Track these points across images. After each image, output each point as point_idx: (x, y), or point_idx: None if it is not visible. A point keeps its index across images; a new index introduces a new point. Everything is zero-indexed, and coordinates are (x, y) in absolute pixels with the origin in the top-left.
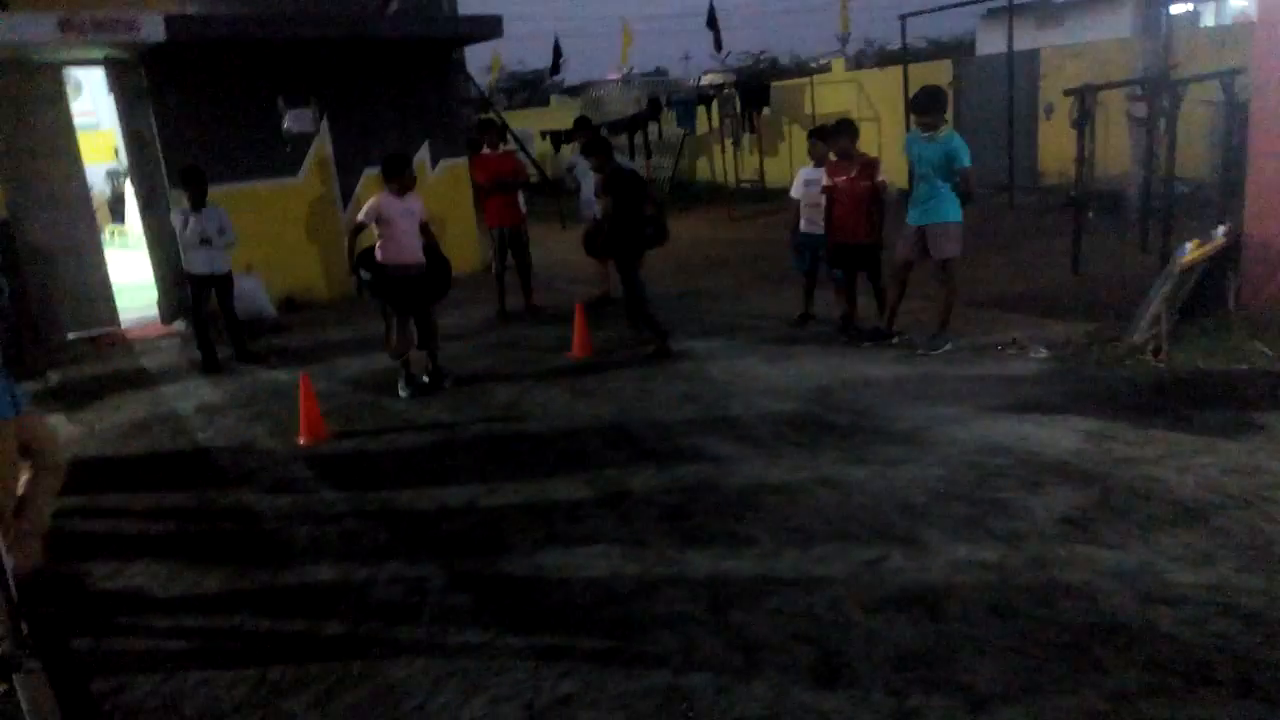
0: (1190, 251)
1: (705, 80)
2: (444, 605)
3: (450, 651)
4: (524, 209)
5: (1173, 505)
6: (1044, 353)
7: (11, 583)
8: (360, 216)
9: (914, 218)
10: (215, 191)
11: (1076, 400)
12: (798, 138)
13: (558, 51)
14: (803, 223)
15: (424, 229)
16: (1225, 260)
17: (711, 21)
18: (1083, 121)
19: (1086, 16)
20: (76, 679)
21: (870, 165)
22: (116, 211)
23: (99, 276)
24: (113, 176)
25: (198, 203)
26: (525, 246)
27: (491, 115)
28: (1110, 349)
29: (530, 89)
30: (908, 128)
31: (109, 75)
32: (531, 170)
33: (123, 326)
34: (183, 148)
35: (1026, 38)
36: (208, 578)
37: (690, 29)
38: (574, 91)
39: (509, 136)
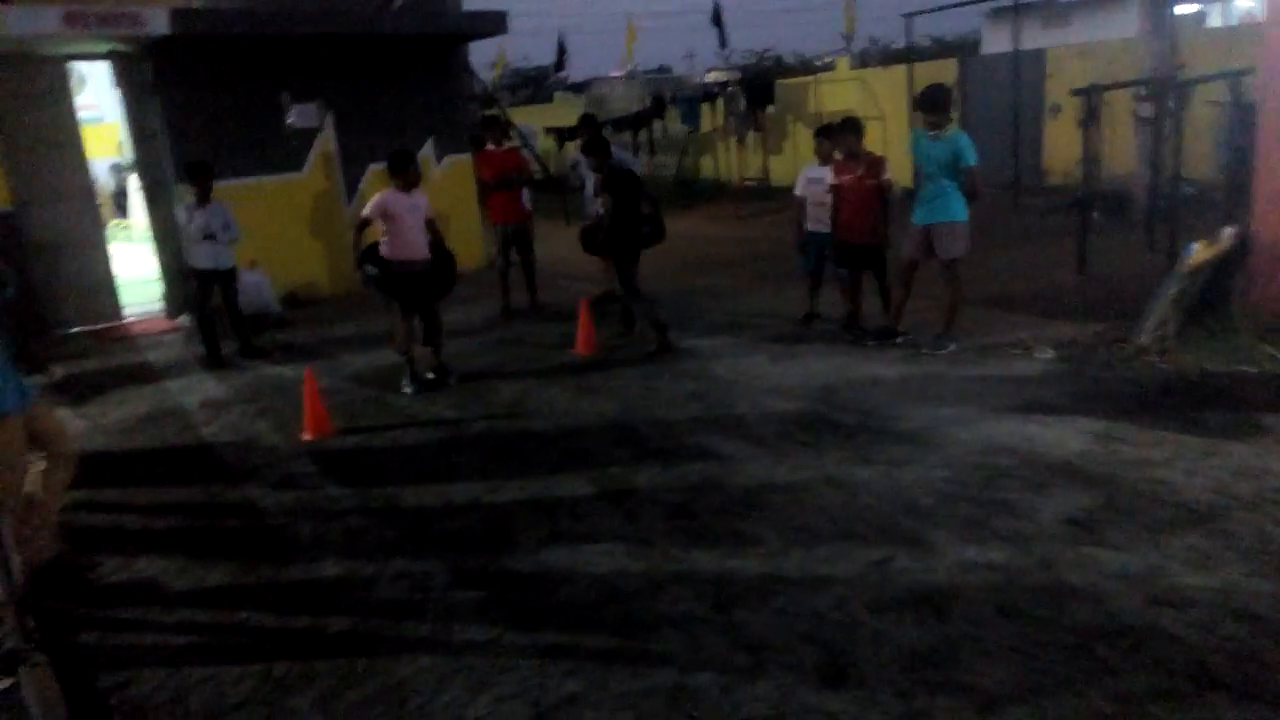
0: (1197, 252)
1: (710, 78)
2: (449, 602)
3: (455, 649)
4: (529, 206)
5: (1180, 508)
6: (1050, 353)
7: (18, 577)
8: (366, 212)
9: (920, 217)
10: (220, 186)
11: (1083, 401)
12: (802, 136)
13: (562, 48)
14: (808, 221)
15: (430, 225)
16: (1232, 262)
17: (716, 19)
18: (1089, 121)
19: (1092, 16)
20: (82, 673)
21: (876, 164)
22: (120, 206)
23: (103, 271)
24: (117, 171)
25: (203, 197)
26: (530, 243)
27: (496, 111)
28: (1117, 350)
29: (534, 85)
30: (912, 126)
31: (114, 69)
32: (535, 167)
33: (126, 321)
34: (187, 142)
35: (1032, 37)
36: (213, 573)
37: (694, 26)
38: (578, 88)
39: (513, 133)
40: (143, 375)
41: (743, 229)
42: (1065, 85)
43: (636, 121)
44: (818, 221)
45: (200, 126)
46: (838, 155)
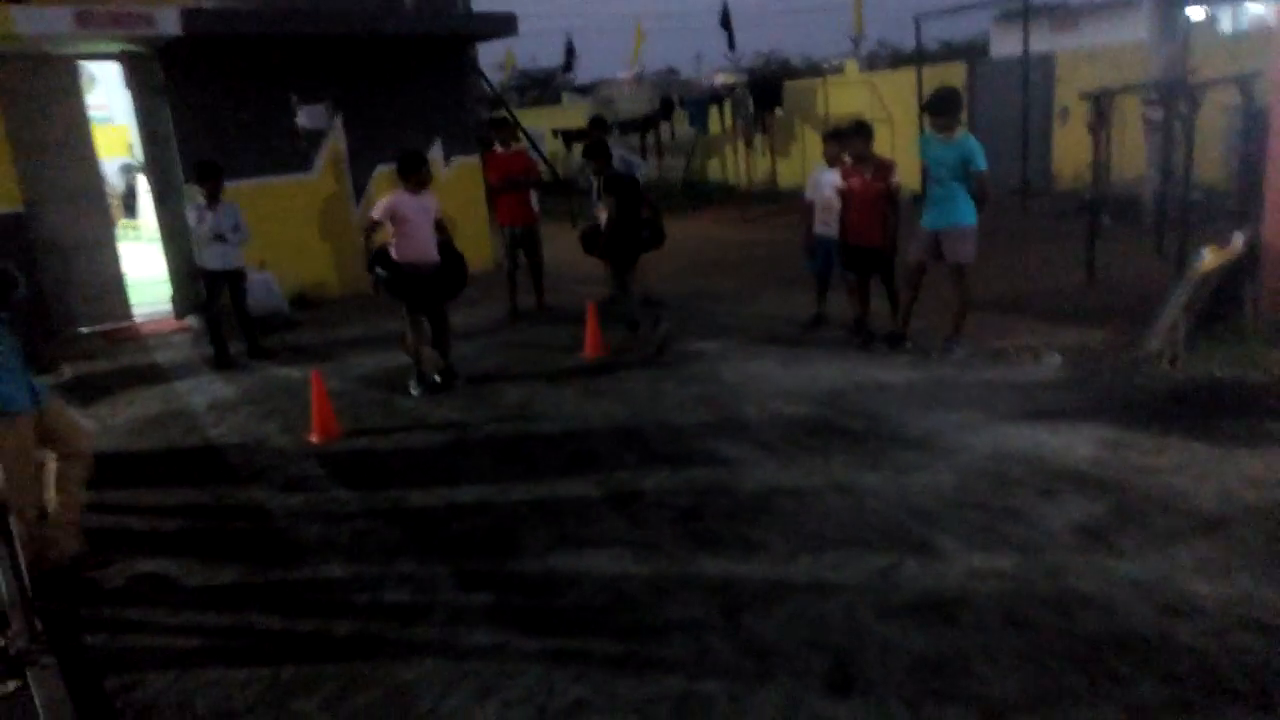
0: (1208, 258)
1: (717, 80)
2: (455, 606)
3: (462, 653)
4: (536, 208)
5: (1190, 515)
6: (1058, 359)
7: (26, 578)
8: (375, 214)
9: (928, 221)
10: (229, 187)
11: (1092, 407)
12: (810, 139)
13: (570, 50)
14: (816, 225)
15: (439, 226)
16: (1243, 268)
17: (725, 21)
18: (1099, 125)
19: (1102, 20)
20: (89, 675)
21: (885, 168)
22: (129, 206)
23: (112, 271)
24: (127, 171)
25: (213, 198)
26: (537, 246)
27: (504, 113)
28: (1126, 356)
29: (542, 87)
30: (921, 130)
31: (125, 69)
32: (543, 169)
33: (135, 321)
34: (197, 142)
35: (1041, 40)
36: (219, 575)
37: (702, 28)
38: (586, 90)
39: (521, 135)
40: (151, 376)
41: (750, 232)
42: (1074, 89)
43: (645, 124)
44: (826, 225)
45: (210, 127)
46: (846, 159)
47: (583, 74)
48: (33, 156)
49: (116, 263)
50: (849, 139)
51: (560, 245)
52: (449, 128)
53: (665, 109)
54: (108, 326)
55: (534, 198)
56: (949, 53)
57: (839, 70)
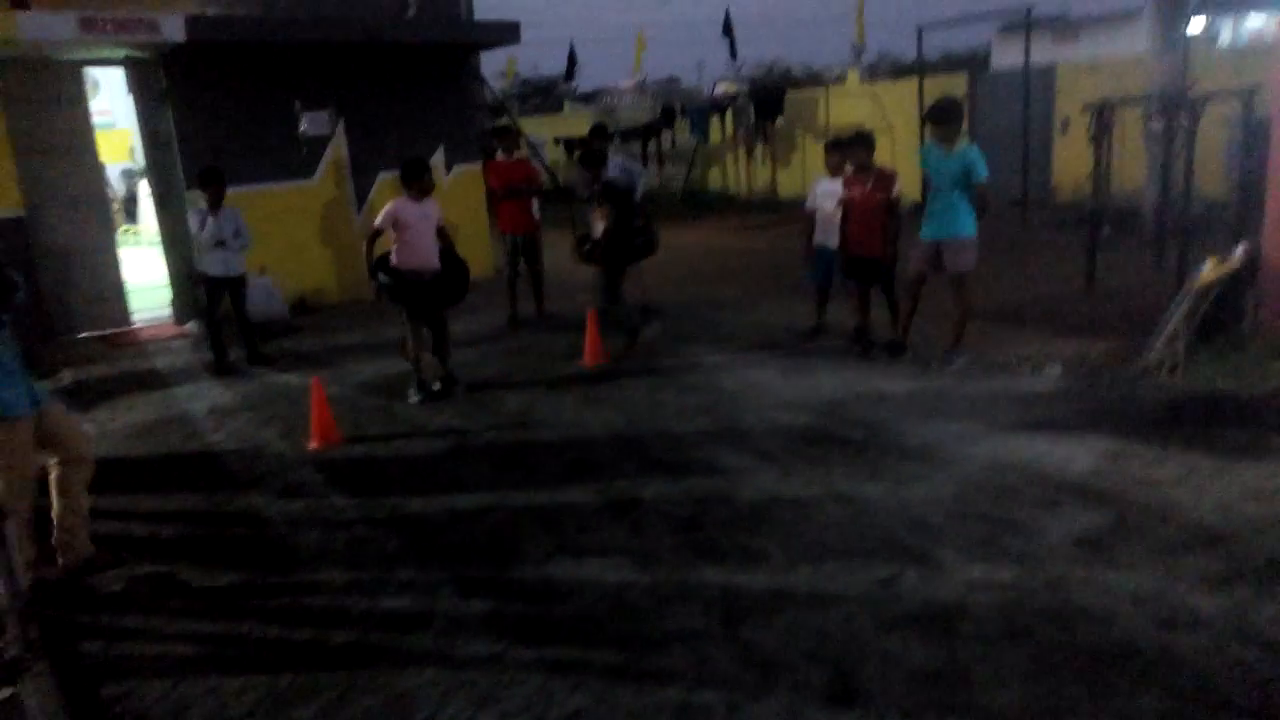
0: (1208, 270)
1: (719, 90)
2: (454, 615)
3: (460, 662)
4: (538, 216)
5: (1190, 528)
6: (1058, 370)
7: (22, 585)
8: (377, 222)
9: (929, 231)
10: (231, 193)
11: (1091, 419)
12: (811, 149)
13: (573, 58)
14: (817, 234)
15: (441, 233)
16: (1243, 280)
17: (727, 29)
18: (1100, 137)
19: (1102, 32)
20: (85, 683)
21: (887, 178)
22: (130, 212)
23: (113, 276)
24: (128, 176)
25: (215, 204)
26: (538, 253)
27: (507, 121)
28: (1126, 367)
29: (544, 95)
30: (922, 140)
31: (128, 75)
32: (545, 177)
33: (135, 326)
34: (200, 148)
35: (1042, 53)
36: (217, 582)
37: (703, 38)
38: (588, 98)
39: (523, 142)
40: (150, 381)
41: (750, 240)
42: (1075, 101)
43: (646, 132)
44: (827, 235)
45: (212, 133)
46: (848, 168)
47: (585, 82)
48: (35, 160)
49: (117, 267)
50: (851, 149)
51: (561, 253)
52: (451, 135)
53: (667, 117)
54: (107, 331)
55: (535, 205)
56: (950, 64)
57: (840, 80)
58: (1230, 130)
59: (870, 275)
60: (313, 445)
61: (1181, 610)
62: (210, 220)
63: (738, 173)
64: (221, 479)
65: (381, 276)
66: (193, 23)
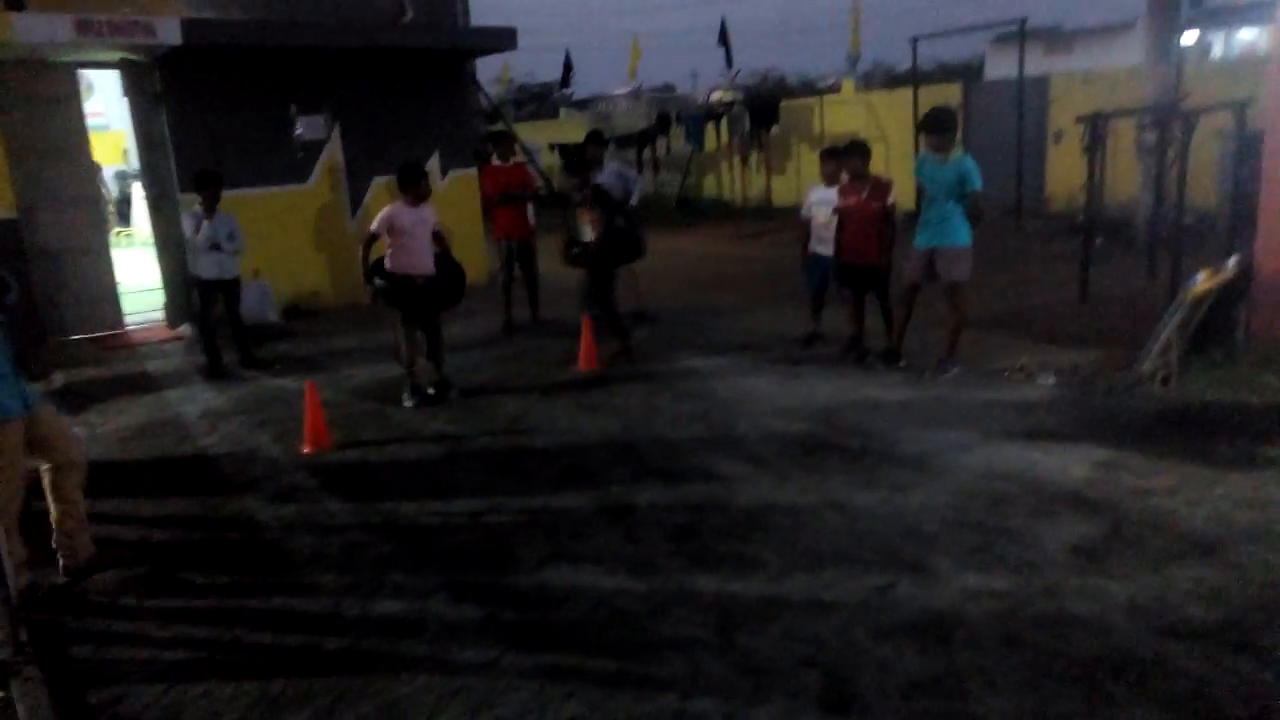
0: (1202, 281)
1: (714, 97)
2: (448, 621)
3: (454, 669)
4: (533, 222)
5: (1184, 538)
6: (1052, 379)
7: (13, 588)
8: (373, 227)
9: (923, 240)
10: (225, 196)
11: (1085, 428)
12: (806, 157)
13: (568, 65)
14: (812, 242)
15: (438, 237)
16: (1236, 291)
17: (723, 37)
18: (1094, 148)
19: (1095, 44)
20: (75, 688)
21: (882, 187)
22: (123, 214)
23: (106, 278)
24: (121, 178)
25: (211, 207)
26: (533, 259)
27: (502, 127)
28: (1119, 377)
29: (538, 101)
30: (916, 149)
31: (123, 78)
32: (540, 182)
33: (128, 329)
34: (194, 151)
35: (1036, 63)
36: (209, 587)
37: (698, 46)
38: (583, 105)
39: (518, 148)
40: (143, 384)
41: (744, 248)
42: (1068, 112)
43: (641, 139)
44: (822, 243)
45: (207, 136)
46: (844, 177)
47: (580, 89)
48: (29, 162)
49: (110, 270)
50: (846, 157)
51: (556, 259)
52: (447, 140)
53: (662, 125)
54: (100, 334)
55: (531, 211)
56: (945, 74)
57: (835, 89)
58: (1223, 142)
59: (865, 283)
60: (306, 449)
61: (1176, 619)
62: (205, 223)
63: (733, 180)
64: (214, 483)
65: (377, 280)
66: (189, 26)
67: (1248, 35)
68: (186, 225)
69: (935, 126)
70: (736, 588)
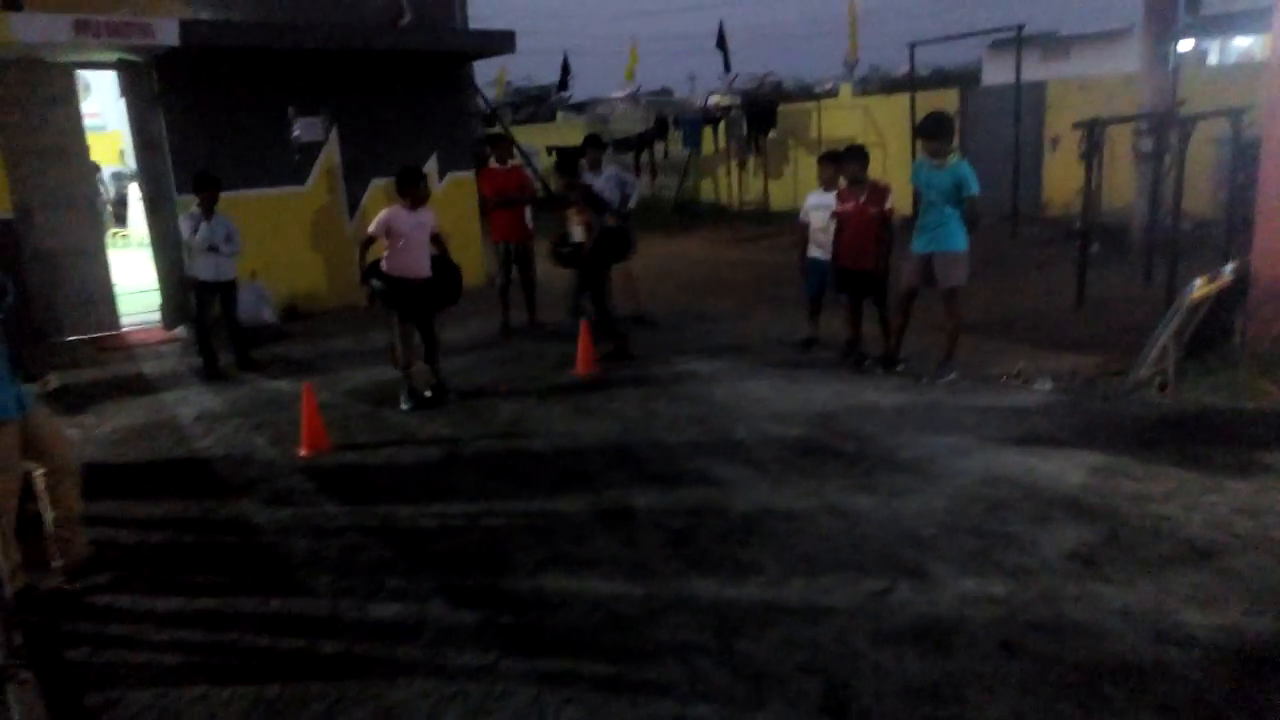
0: (1198, 287)
1: (711, 101)
2: (444, 625)
3: (451, 673)
4: (531, 225)
5: (1181, 544)
6: (1048, 385)
7: (8, 591)
8: (371, 229)
9: (920, 245)
10: (223, 197)
11: (1082, 434)
12: (803, 161)
13: (566, 68)
14: (810, 247)
15: (436, 239)
16: (1232, 297)
17: (721, 41)
18: (1091, 154)
19: (1092, 51)
20: (70, 691)
21: (880, 192)
22: (119, 215)
23: (102, 280)
24: (118, 179)
25: (209, 209)
26: (531, 262)
27: (500, 129)
28: (1116, 382)
29: (536, 104)
30: (913, 154)
31: (121, 78)
32: (537, 185)
33: (124, 330)
34: (192, 153)
35: (1032, 70)
36: (205, 590)
37: (696, 50)
38: (580, 108)
39: (516, 151)
40: (139, 386)
41: (741, 252)
42: (1065, 118)
43: (639, 142)
44: (820, 247)
45: (205, 137)
46: (842, 182)
47: (578, 92)
48: (27, 163)
49: (107, 271)
50: (845, 162)
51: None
52: (444, 143)
53: (660, 128)
54: (96, 335)
55: (529, 214)
56: (942, 79)
57: (833, 94)
58: (1219, 149)
59: (862, 288)
60: (303, 452)
61: (1173, 625)
62: (203, 225)
63: (730, 184)
64: (210, 485)
65: (375, 282)
66: (187, 27)
67: (1244, 42)
68: (184, 227)
69: (932, 132)
70: (734, 592)
